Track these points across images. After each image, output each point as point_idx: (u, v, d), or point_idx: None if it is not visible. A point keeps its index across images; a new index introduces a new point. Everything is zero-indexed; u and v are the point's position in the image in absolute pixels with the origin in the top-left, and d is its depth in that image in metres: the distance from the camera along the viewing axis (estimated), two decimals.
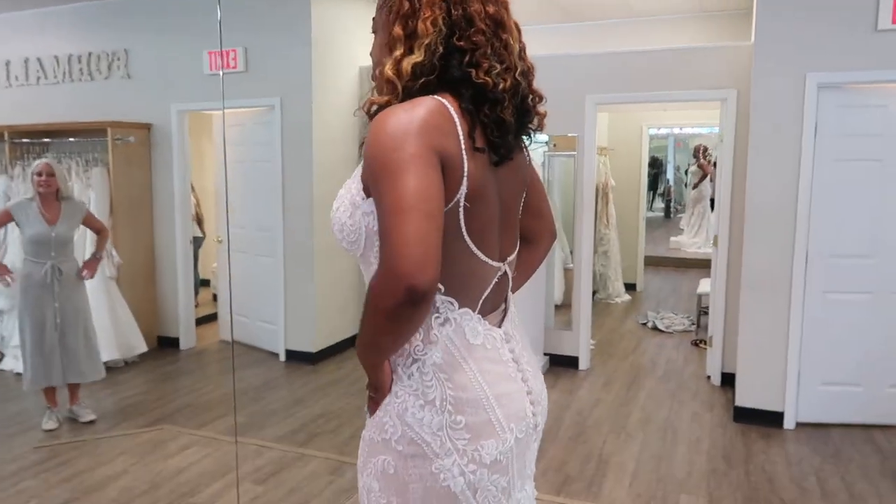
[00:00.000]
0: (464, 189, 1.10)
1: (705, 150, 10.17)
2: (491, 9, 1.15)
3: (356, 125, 5.38)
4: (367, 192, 1.12)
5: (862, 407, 3.91)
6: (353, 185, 1.16)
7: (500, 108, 1.14)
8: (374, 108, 1.15)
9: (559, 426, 3.91)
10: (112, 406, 4.27)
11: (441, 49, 1.12)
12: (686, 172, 12.10)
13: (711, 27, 5.70)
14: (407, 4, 1.13)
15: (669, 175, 13.24)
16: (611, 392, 4.52)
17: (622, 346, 5.67)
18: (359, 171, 1.16)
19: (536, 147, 5.04)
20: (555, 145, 5.16)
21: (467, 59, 1.12)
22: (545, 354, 4.99)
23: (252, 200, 5.35)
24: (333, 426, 3.89)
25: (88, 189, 4.92)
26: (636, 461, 3.48)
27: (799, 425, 3.92)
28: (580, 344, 4.98)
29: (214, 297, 6.32)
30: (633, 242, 7.81)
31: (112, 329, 4.72)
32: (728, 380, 4.54)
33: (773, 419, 3.94)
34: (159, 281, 5.47)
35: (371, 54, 1.26)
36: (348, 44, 5.28)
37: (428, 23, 1.11)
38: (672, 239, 10.36)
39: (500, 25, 1.15)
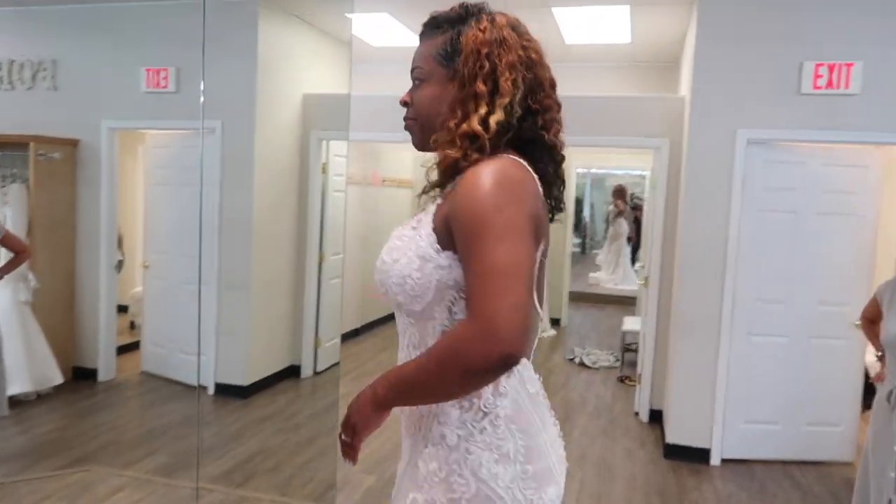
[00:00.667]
0: (542, 247, 1.16)
1: (629, 191, 10.65)
2: (548, 74, 1.22)
3: (297, 152, 5.29)
4: (443, 244, 1.12)
5: (781, 444, 4.15)
6: (419, 236, 1.14)
7: (560, 168, 1.23)
8: (452, 163, 1.15)
9: None
10: (26, 443, 3.93)
11: (519, 110, 1.16)
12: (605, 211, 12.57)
13: (641, 77, 6.03)
14: (488, 64, 1.15)
15: (586, 212, 13.72)
16: None
17: (552, 382, 5.78)
18: (428, 221, 1.15)
19: None
20: None
21: (540, 121, 1.18)
22: None
23: (177, 226, 5.13)
24: (272, 464, 3.74)
25: (4, 206, 4.58)
26: (577, 499, 3.54)
27: (724, 461, 4.11)
28: None
29: (132, 325, 5.98)
30: (559, 277, 8.02)
31: (25, 359, 4.36)
32: (655, 416, 4.72)
33: (700, 456, 4.11)
34: (78, 307, 5.13)
35: (407, 102, 1.26)
36: (293, 69, 5.21)
37: (510, 83, 1.14)
38: (591, 275, 10.70)
39: (554, 90, 1.22)
